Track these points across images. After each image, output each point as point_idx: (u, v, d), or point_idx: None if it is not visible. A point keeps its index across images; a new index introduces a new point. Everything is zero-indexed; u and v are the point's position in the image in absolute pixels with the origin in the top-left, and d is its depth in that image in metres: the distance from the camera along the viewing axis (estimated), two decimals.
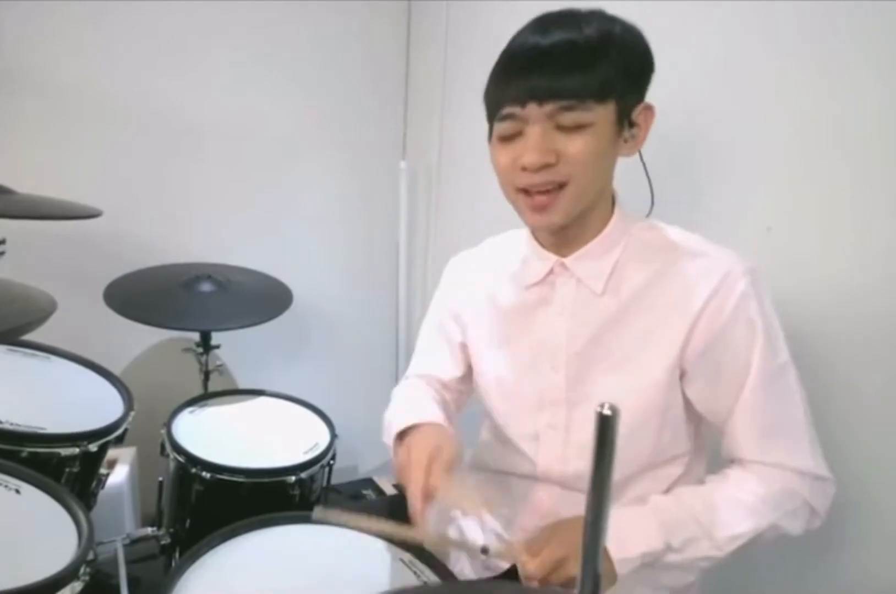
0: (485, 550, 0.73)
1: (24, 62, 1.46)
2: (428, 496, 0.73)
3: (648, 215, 0.91)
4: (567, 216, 0.75)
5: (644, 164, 0.88)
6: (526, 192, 0.75)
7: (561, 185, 0.72)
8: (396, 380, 2.12)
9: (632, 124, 0.74)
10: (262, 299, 1.53)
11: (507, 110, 0.72)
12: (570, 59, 0.68)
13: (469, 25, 1.67)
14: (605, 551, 0.69)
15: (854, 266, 0.87)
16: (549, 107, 0.69)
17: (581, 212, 0.76)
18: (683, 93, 1.03)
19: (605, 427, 0.35)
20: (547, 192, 0.73)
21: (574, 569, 0.70)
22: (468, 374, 1.00)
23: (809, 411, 0.76)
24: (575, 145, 0.70)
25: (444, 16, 1.73)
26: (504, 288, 0.90)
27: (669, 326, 0.76)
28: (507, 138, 0.74)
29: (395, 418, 0.90)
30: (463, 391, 1.03)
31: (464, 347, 0.98)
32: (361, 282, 2.05)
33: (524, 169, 0.72)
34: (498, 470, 0.94)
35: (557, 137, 0.70)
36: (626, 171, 0.81)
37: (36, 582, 0.67)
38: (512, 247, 0.92)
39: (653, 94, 0.76)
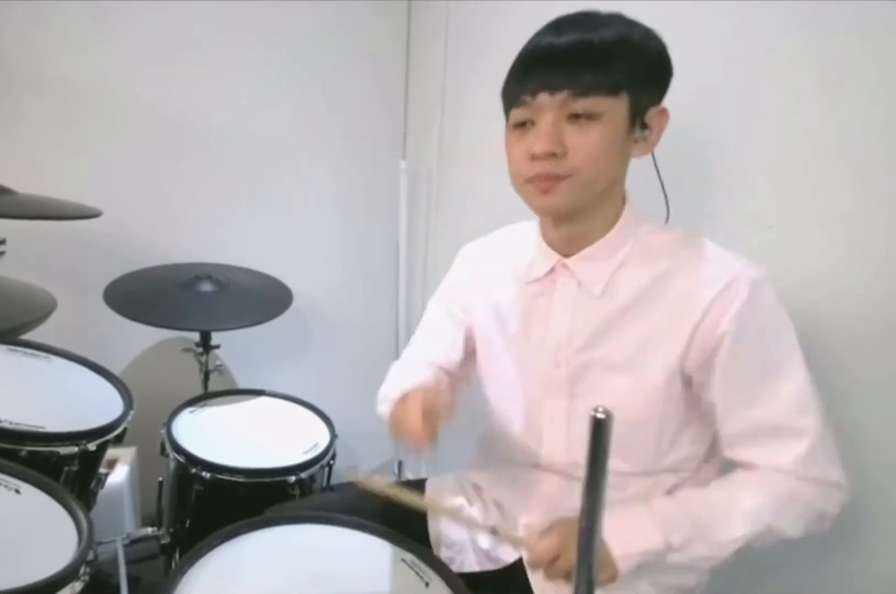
0: (494, 531, 0.74)
1: (24, 62, 1.46)
2: (429, 438, 0.76)
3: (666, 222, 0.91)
4: (571, 201, 0.75)
5: (658, 173, 0.87)
6: (534, 181, 0.75)
7: (564, 178, 0.73)
8: None
9: (644, 126, 0.75)
10: (262, 299, 1.53)
11: (521, 98, 0.74)
12: (583, 57, 0.70)
13: (469, 25, 1.66)
14: (607, 548, 0.71)
15: (855, 264, 0.87)
16: (560, 96, 0.70)
17: (586, 204, 0.77)
18: (684, 92, 1.03)
19: (599, 430, 0.35)
20: (551, 179, 0.74)
21: (572, 558, 0.70)
22: (471, 360, 1.01)
23: (824, 417, 0.74)
24: (585, 137, 0.71)
25: (444, 16, 1.73)
26: (508, 282, 0.91)
27: (670, 332, 0.76)
28: (518, 126, 0.76)
29: (391, 390, 0.92)
30: (461, 377, 1.03)
31: (469, 334, 0.99)
32: (361, 282, 2.05)
33: (533, 157, 0.73)
34: (502, 462, 0.95)
35: (568, 129, 0.72)
36: (638, 177, 0.81)
37: (36, 582, 0.67)
38: (521, 240, 0.92)
39: None
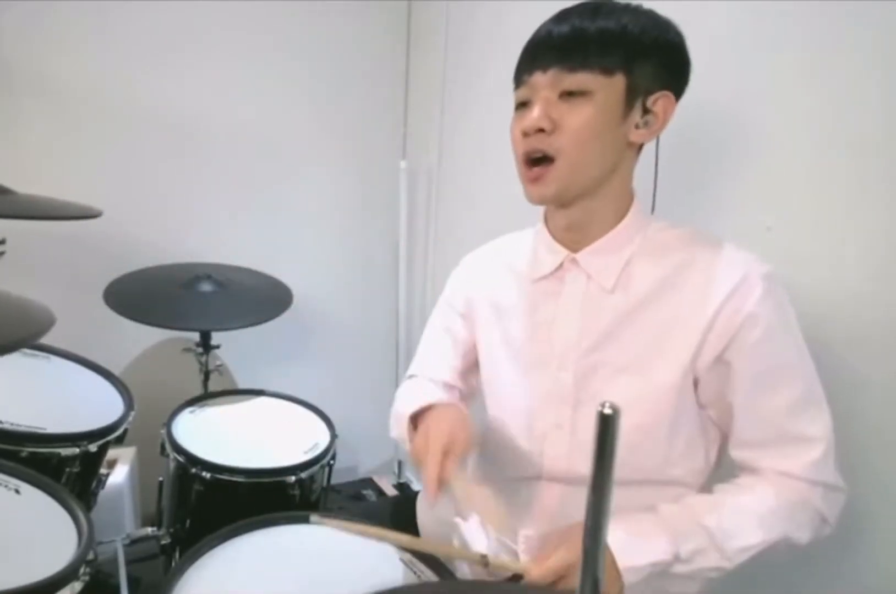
0: (484, 562, 0.72)
1: (24, 62, 1.46)
2: (441, 485, 0.74)
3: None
4: (559, 189, 0.76)
5: (657, 164, 0.87)
6: (527, 164, 0.76)
7: (552, 159, 0.74)
8: (397, 379, 2.13)
9: (647, 111, 0.74)
10: (262, 299, 1.53)
11: (521, 78, 0.76)
12: (576, 42, 0.71)
13: (469, 25, 1.67)
14: (613, 560, 0.68)
15: (854, 265, 0.87)
16: (552, 72, 0.72)
17: (579, 191, 0.76)
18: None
19: (606, 426, 0.34)
20: (540, 163, 0.75)
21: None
22: (473, 372, 1.00)
23: (830, 420, 0.74)
24: (574, 116, 0.72)
25: (444, 16, 1.73)
26: (509, 285, 0.90)
27: (683, 329, 0.74)
28: (519, 106, 0.77)
29: (405, 407, 0.89)
30: (465, 392, 1.02)
31: (470, 345, 0.97)
32: (361, 282, 2.05)
33: (525, 134, 0.74)
34: (502, 476, 0.92)
35: (560, 107, 0.72)
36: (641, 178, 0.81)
37: (36, 582, 0.67)
38: (518, 245, 0.92)
39: None
